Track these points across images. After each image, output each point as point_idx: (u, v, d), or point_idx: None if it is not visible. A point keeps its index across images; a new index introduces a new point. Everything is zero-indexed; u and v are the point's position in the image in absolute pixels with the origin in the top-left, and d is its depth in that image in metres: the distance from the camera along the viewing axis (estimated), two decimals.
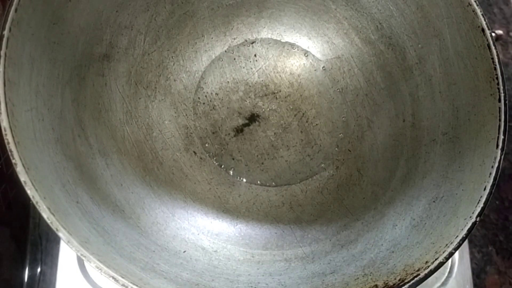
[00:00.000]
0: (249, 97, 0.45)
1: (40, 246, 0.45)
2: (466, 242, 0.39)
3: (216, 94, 0.45)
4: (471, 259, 0.45)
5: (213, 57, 0.46)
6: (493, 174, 0.31)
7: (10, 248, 0.43)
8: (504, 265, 0.48)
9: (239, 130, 0.45)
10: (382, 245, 0.34)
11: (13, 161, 0.28)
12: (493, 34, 0.34)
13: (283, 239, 0.39)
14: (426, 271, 0.29)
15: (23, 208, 0.45)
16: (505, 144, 0.32)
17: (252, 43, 0.47)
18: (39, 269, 0.44)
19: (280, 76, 0.46)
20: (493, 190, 0.31)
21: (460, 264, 0.43)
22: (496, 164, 0.31)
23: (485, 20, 0.34)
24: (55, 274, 0.41)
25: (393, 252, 0.33)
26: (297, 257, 0.37)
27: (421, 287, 0.30)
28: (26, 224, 0.46)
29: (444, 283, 0.43)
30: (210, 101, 0.45)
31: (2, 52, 0.29)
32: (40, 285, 0.44)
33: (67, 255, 0.41)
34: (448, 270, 0.43)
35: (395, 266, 0.31)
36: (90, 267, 0.37)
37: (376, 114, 0.43)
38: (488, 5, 0.56)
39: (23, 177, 0.28)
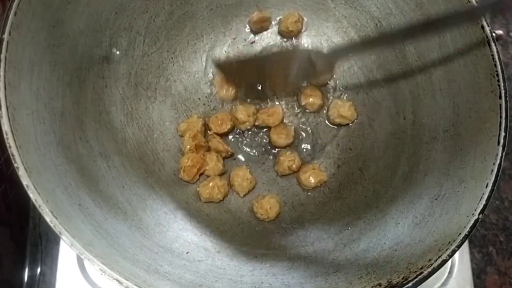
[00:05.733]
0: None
1: (40, 246, 0.45)
2: (466, 243, 0.39)
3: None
4: (471, 260, 0.45)
5: (213, 57, 0.46)
6: (495, 171, 0.31)
7: (10, 248, 0.43)
8: (504, 265, 0.48)
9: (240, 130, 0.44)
10: (385, 243, 0.34)
11: (15, 165, 0.28)
12: (493, 34, 0.33)
13: (286, 239, 0.39)
14: (429, 269, 0.29)
15: (23, 209, 0.45)
16: (507, 141, 0.32)
17: (252, 42, 0.47)
18: (39, 269, 0.45)
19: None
20: (495, 187, 0.31)
21: (460, 264, 0.43)
22: (498, 161, 0.32)
23: (484, 17, 0.34)
24: (55, 274, 0.41)
25: (396, 250, 0.33)
26: (300, 256, 0.37)
27: (421, 287, 0.30)
28: (26, 224, 0.46)
29: (444, 283, 0.42)
30: (211, 101, 0.45)
31: (2, 56, 0.29)
32: (40, 285, 0.44)
33: (67, 255, 0.41)
34: (448, 270, 0.43)
35: (398, 264, 0.31)
36: (90, 267, 0.38)
37: (377, 112, 0.43)
38: None
39: (25, 180, 0.28)
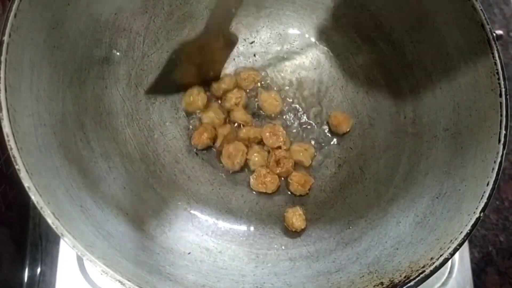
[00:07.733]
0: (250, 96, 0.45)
1: (40, 246, 0.45)
2: (466, 242, 0.39)
3: None
4: (471, 260, 0.45)
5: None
6: (496, 169, 0.31)
7: (10, 248, 0.43)
8: (504, 265, 0.48)
9: None
10: (386, 242, 0.34)
11: (17, 166, 0.28)
12: (494, 34, 0.33)
13: (287, 238, 0.39)
14: (431, 268, 0.29)
15: (22, 209, 0.45)
16: (507, 139, 0.32)
17: (252, 42, 0.47)
18: (39, 269, 0.44)
19: (280, 75, 0.46)
20: (496, 186, 0.31)
21: (460, 264, 0.43)
22: (499, 159, 0.32)
23: (484, 16, 0.34)
24: (54, 274, 0.41)
25: (397, 249, 0.33)
26: (301, 256, 0.37)
27: (421, 287, 0.30)
28: (25, 224, 0.46)
29: (444, 283, 0.42)
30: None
31: (3, 58, 0.29)
32: (40, 285, 0.44)
33: (66, 255, 0.41)
34: (448, 270, 0.43)
35: (400, 263, 0.31)
36: (90, 267, 0.38)
37: (377, 111, 0.43)
38: (488, 5, 0.56)
39: (27, 182, 0.28)
